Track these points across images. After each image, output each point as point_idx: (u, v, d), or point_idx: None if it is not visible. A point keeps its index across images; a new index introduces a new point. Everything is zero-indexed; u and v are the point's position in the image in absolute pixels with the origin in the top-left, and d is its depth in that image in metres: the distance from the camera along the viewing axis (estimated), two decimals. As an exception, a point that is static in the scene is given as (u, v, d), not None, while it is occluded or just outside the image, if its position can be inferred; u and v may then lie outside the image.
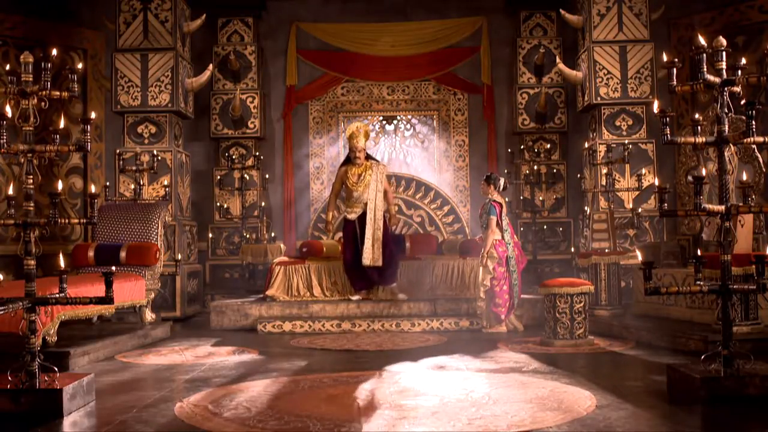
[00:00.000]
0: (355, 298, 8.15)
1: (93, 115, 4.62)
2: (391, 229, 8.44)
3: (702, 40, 4.29)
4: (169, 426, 3.88)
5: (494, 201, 7.61)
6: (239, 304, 8.30)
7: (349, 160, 8.44)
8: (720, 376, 4.16)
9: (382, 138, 11.44)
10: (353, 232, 8.20)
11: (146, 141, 9.79)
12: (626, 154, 8.52)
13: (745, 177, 4.64)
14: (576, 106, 10.44)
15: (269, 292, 8.41)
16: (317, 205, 11.12)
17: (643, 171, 9.20)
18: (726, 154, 4.38)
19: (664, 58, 4.54)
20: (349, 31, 11.35)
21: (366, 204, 8.18)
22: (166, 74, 9.71)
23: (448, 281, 8.44)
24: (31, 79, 4.31)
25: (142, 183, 8.91)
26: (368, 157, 8.45)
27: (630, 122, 9.66)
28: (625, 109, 9.67)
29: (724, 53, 4.31)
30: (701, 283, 4.34)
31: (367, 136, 8.43)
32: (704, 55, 4.27)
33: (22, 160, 4.23)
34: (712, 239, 7.24)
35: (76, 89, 4.44)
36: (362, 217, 8.18)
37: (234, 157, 10.96)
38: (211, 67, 10.40)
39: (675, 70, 4.37)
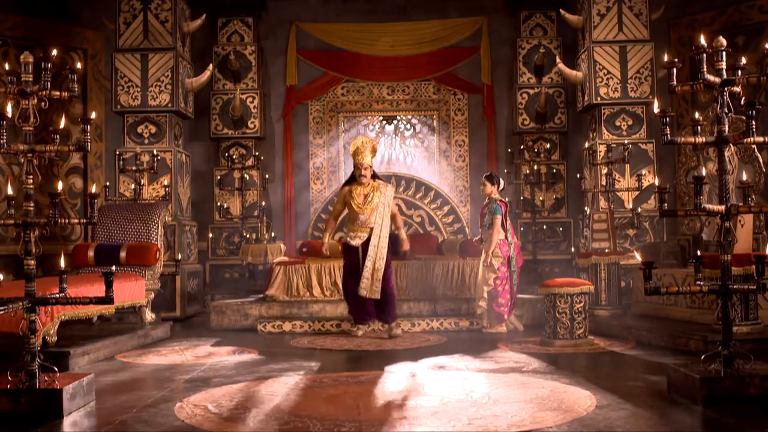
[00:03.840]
0: (359, 333, 7.39)
1: (93, 115, 4.62)
2: (401, 253, 7.78)
3: (702, 40, 4.29)
4: (169, 426, 3.88)
5: (500, 201, 7.64)
6: (239, 304, 8.29)
7: (353, 179, 7.49)
8: (720, 376, 4.16)
9: (382, 138, 11.44)
10: (356, 261, 7.32)
11: (146, 141, 9.79)
12: (626, 154, 8.52)
13: (745, 177, 4.64)
14: (576, 106, 10.44)
15: (269, 292, 8.40)
16: (317, 205, 11.12)
17: (643, 171, 9.21)
18: (726, 154, 4.38)
19: (665, 58, 4.54)
20: (349, 31, 11.36)
21: (372, 229, 7.30)
22: (166, 74, 9.72)
23: (448, 281, 8.44)
24: (31, 79, 4.31)
25: (142, 183, 8.91)
26: (374, 176, 7.52)
27: (630, 122, 9.66)
28: (625, 109, 9.67)
29: (724, 53, 4.31)
30: (701, 283, 4.34)
31: (374, 151, 7.49)
32: (704, 55, 4.27)
33: (22, 160, 4.23)
34: (712, 239, 7.24)
35: (76, 89, 4.44)
36: (367, 243, 7.30)
37: (234, 157, 10.97)
38: (211, 67, 10.40)
39: (675, 70, 4.37)
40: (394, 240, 7.48)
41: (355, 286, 7.25)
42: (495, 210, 7.58)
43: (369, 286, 7.20)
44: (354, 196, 7.36)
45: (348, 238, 7.40)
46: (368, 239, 7.29)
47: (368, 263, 7.20)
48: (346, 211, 7.54)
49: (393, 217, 7.50)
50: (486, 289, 7.57)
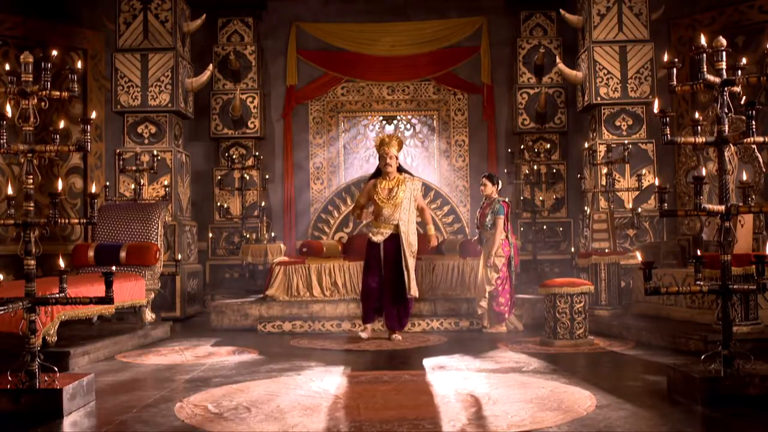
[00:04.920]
0: (364, 335, 7.13)
1: (93, 115, 4.62)
2: (428, 249, 7.61)
3: (702, 40, 4.29)
4: (169, 426, 3.88)
5: (504, 201, 7.65)
6: (239, 304, 8.29)
7: (379, 173, 7.30)
8: (720, 376, 4.17)
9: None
10: (378, 258, 7.11)
11: (146, 141, 9.79)
12: (626, 154, 8.52)
13: (745, 177, 4.64)
14: (576, 106, 10.44)
15: (269, 292, 8.40)
16: (317, 205, 11.12)
17: (643, 171, 9.20)
18: (726, 154, 4.39)
19: (665, 58, 4.54)
20: (349, 31, 11.36)
21: (397, 226, 7.06)
22: (166, 74, 9.72)
23: (448, 281, 8.43)
24: (31, 79, 4.31)
25: (142, 183, 8.91)
26: (401, 170, 7.32)
27: (630, 122, 9.66)
28: (625, 109, 9.68)
29: (724, 53, 4.31)
30: (701, 283, 4.35)
31: (400, 145, 7.27)
32: (704, 55, 4.27)
33: (22, 160, 4.23)
34: (712, 239, 7.24)
35: (76, 89, 4.44)
36: (390, 241, 7.08)
37: (234, 157, 10.97)
38: (211, 67, 10.40)
39: (675, 70, 4.37)
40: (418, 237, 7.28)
41: (372, 285, 7.11)
42: (498, 210, 7.57)
43: (415, 286, 7.07)
44: (378, 190, 7.13)
45: (371, 234, 7.19)
46: (392, 236, 7.07)
47: (410, 263, 7.02)
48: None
49: (421, 211, 7.31)
50: (488, 289, 7.56)
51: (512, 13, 11.22)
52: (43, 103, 4.32)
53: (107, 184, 9.44)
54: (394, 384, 4.93)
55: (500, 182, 7.93)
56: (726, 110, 4.32)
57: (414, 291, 7.06)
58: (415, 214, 7.23)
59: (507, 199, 7.82)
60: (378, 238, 7.12)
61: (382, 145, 7.20)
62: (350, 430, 3.69)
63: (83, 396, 4.30)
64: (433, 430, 3.72)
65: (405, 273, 7.02)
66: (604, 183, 8.55)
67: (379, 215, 7.14)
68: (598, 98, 9.56)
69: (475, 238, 8.05)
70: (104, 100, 10.37)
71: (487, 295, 7.58)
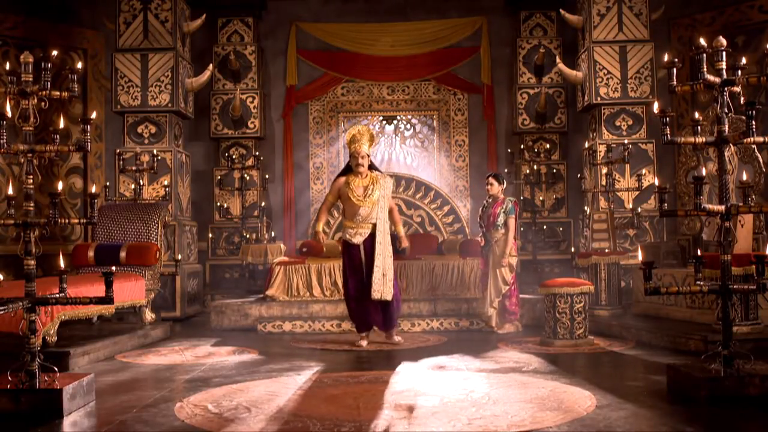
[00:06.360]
0: (364, 344, 6.72)
1: (93, 115, 4.62)
2: (400, 250, 7.08)
3: (702, 40, 4.30)
4: (169, 426, 3.88)
5: (514, 201, 7.64)
6: (239, 304, 8.29)
7: (349, 170, 6.94)
8: (720, 376, 4.17)
9: (382, 138, 11.45)
10: (359, 259, 6.75)
11: (146, 141, 9.79)
12: (626, 154, 8.52)
13: (745, 177, 4.64)
14: (576, 106, 10.44)
15: (269, 292, 8.40)
16: (317, 205, 11.12)
17: (643, 171, 9.21)
18: (726, 154, 4.39)
19: (665, 58, 4.54)
20: (349, 31, 11.36)
21: (374, 225, 6.73)
22: (166, 74, 9.71)
23: (448, 281, 8.44)
24: (31, 79, 4.31)
25: (142, 183, 8.91)
26: (372, 167, 6.95)
27: (630, 122, 9.66)
28: (625, 109, 9.68)
29: (724, 53, 4.32)
30: (701, 283, 4.35)
31: (372, 140, 6.88)
32: (704, 55, 4.27)
33: (22, 160, 4.23)
34: (712, 239, 7.24)
35: (76, 89, 4.44)
36: (369, 240, 6.74)
37: (234, 157, 10.97)
38: (211, 67, 10.40)
39: (675, 70, 4.37)
40: (392, 238, 6.98)
41: (357, 288, 6.72)
42: (510, 210, 7.53)
43: (381, 288, 6.61)
44: (352, 188, 6.77)
45: (347, 236, 6.79)
46: (370, 236, 6.73)
47: (378, 262, 6.63)
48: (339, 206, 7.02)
49: (390, 211, 6.94)
50: (504, 289, 7.48)
51: (512, 13, 11.23)
52: (43, 103, 4.32)
53: (107, 184, 9.45)
54: (394, 383, 4.92)
55: (505, 181, 7.88)
56: (726, 110, 4.33)
57: (377, 293, 6.60)
58: (388, 214, 6.89)
59: (514, 199, 7.80)
60: (357, 240, 6.75)
61: (352, 143, 6.81)
62: (350, 430, 3.69)
63: (83, 396, 4.30)
64: (433, 429, 3.72)
65: (372, 273, 6.62)
66: (604, 183, 8.55)
67: (354, 215, 6.76)
68: (598, 98, 9.56)
69: (479, 237, 7.99)
70: (104, 100, 10.38)
71: (500, 296, 7.52)
